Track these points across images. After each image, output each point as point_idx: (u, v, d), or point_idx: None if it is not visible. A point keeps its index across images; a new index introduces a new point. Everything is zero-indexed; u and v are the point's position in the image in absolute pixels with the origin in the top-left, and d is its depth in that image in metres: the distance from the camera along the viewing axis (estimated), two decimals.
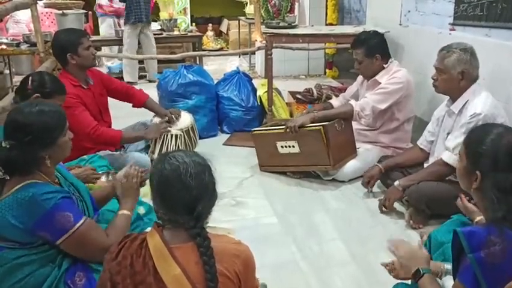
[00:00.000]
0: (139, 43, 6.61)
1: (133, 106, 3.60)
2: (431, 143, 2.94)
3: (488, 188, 1.41)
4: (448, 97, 2.80)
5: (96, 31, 7.87)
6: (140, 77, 6.89)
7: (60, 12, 6.35)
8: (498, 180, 1.39)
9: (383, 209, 2.89)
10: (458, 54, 2.65)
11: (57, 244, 1.72)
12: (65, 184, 1.90)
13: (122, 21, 6.84)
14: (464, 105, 2.66)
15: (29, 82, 2.48)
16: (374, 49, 3.37)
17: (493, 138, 1.46)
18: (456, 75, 2.65)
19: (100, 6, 7.22)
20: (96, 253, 1.76)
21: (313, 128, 3.19)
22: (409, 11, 4.14)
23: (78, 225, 1.71)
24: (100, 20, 7.38)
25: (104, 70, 7.10)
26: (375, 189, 3.20)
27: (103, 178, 2.63)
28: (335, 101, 3.79)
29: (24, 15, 6.30)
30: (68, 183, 1.94)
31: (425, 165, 2.94)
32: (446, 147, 2.68)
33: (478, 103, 2.59)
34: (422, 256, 1.59)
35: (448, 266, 1.65)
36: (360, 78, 3.70)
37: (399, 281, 1.72)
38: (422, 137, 3.01)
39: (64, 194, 1.74)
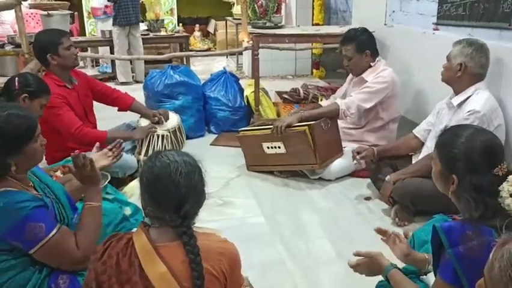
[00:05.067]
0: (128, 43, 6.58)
1: (119, 110, 3.58)
2: (427, 132, 2.96)
3: (465, 190, 1.44)
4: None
5: (82, 32, 7.83)
6: None
7: (46, 13, 6.31)
8: (474, 181, 1.42)
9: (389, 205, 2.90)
10: (462, 46, 2.69)
11: (31, 254, 1.69)
12: (39, 187, 1.85)
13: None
14: (464, 100, 2.68)
15: (16, 83, 2.48)
16: (364, 45, 3.40)
17: (463, 141, 1.48)
18: (455, 65, 2.69)
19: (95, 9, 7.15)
20: (69, 264, 1.74)
21: (299, 128, 3.20)
22: (394, 11, 4.18)
23: (50, 236, 1.67)
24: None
25: (94, 72, 7.07)
26: (364, 191, 3.23)
27: (94, 150, 2.55)
28: (325, 103, 3.81)
29: (9, 16, 6.25)
30: (43, 185, 1.89)
31: (414, 159, 2.98)
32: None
33: (479, 101, 2.61)
34: (380, 263, 1.66)
35: None
36: (349, 77, 3.73)
37: (382, 279, 1.75)
38: (420, 126, 3.03)
39: (37, 203, 1.69)
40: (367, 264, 1.71)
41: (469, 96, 2.67)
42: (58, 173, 2.52)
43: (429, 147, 2.84)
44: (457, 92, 2.75)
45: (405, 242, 1.80)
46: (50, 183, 1.95)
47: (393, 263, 1.67)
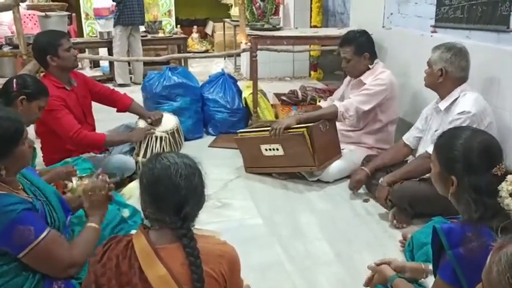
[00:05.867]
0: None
1: (118, 111, 3.58)
2: (416, 139, 2.97)
3: (465, 191, 1.45)
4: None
5: (80, 33, 7.82)
6: None
7: (43, 14, 6.30)
8: (474, 182, 1.43)
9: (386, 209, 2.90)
10: (441, 51, 2.70)
11: (20, 258, 1.66)
12: (29, 189, 1.82)
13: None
14: (452, 103, 2.69)
15: (14, 84, 2.46)
16: (363, 47, 3.41)
17: (462, 142, 1.49)
18: (436, 71, 2.71)
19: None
20: (59, 269, 1.72)
21: (297, 130, 3.20)
22: (392, 14, 4.19)
23: (39, 239, 1.65)
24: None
25: (93, 73, 7.06)
26: (361, 193, 3.22)
27: (86, 181, 2.60)
28: (324, 105, 3.81)
29: (7, 17, 6.25)
30: (34, 187, 1.86)
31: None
32: (433, 141, 2.70)
33: (468, 102, 2.62)
34: (386, 275, 1.72)
35: (431, 266, 1.69)
36: (347, 79, 3.73)
37: None
38: (409, 133, 3.03)
39: (25, 206, 1.67)
40: (376, 278, 1.76)
41: (456, 99, 2.68)
42: (86, 181, 2.39)
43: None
44: (442, 97, 2.76)
45: (394, 260, 1.82)
46: (42, 185, 1.93)
47: (399, 273, 1.70)
